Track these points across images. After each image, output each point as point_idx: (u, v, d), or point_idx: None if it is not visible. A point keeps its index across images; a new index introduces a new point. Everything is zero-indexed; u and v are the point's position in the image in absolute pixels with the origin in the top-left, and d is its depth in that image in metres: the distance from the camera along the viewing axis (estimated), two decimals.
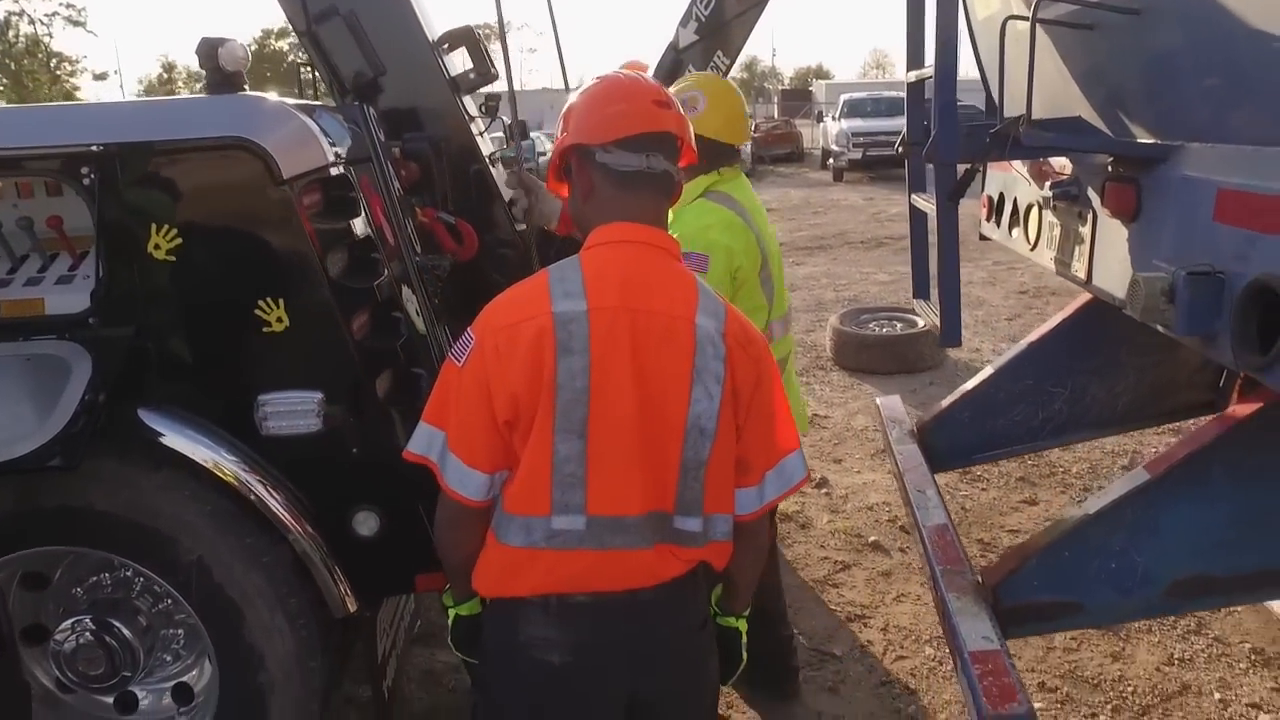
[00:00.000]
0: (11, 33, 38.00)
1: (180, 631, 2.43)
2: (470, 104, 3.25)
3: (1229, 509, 1.87)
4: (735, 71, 5.03)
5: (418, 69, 3.03)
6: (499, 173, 3.25)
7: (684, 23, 4.70)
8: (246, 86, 2.26)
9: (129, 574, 2.33)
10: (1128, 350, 2.85)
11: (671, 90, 2.70)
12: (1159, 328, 1.74)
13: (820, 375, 6.61)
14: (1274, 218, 1.53)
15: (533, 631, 1.53)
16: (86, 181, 2.02)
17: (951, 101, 2.30)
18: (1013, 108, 2.17)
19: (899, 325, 6.92)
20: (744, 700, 2.99)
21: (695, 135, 2.57)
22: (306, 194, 2.11)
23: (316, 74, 3.14)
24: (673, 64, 3.55)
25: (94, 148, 2.01)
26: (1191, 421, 3.29)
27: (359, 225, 2.26)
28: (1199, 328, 1.65)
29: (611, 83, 1.61)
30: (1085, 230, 2.30)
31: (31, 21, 38.29)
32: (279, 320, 2.07)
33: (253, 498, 2.12)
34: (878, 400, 3.34)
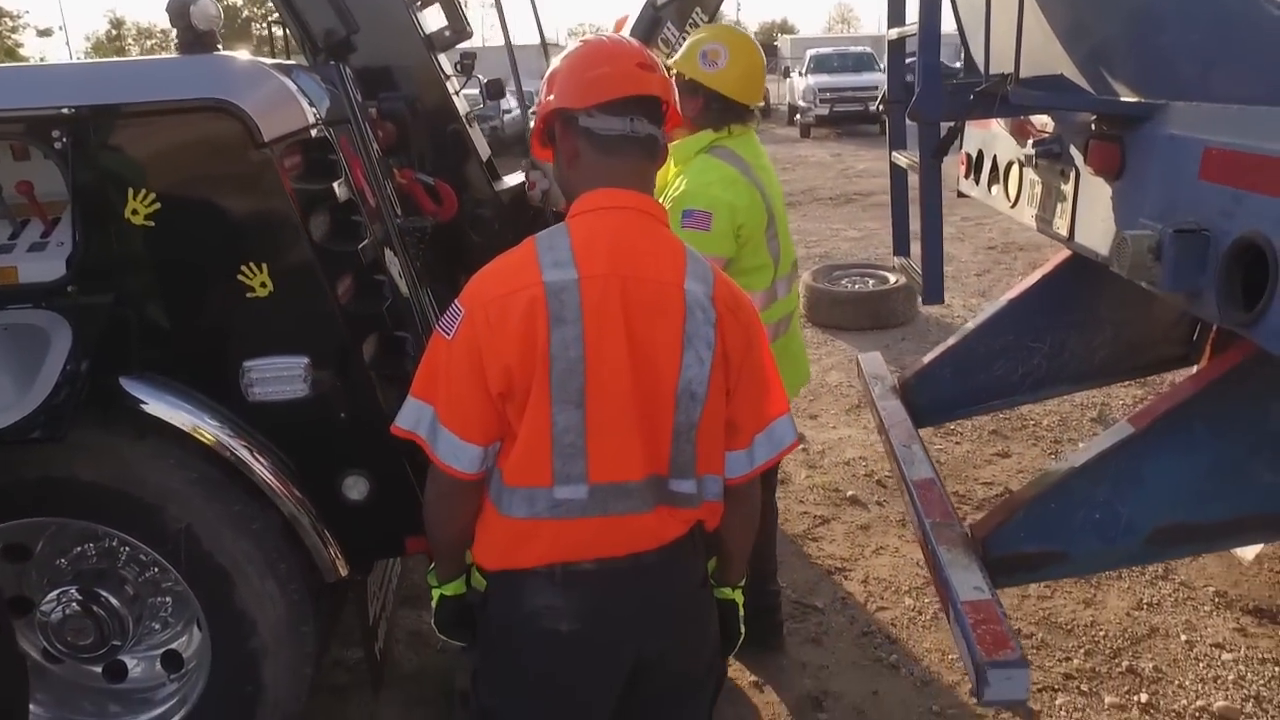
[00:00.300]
0: None
1: (168, 599, 2.42)
2: (445, 62, 3.19)
3: (1207, 460, 1.93)
4: None
5: (391, 26, 2.97)
6: (475, 132, 3.20)
7: None
8: (220, 46, 2.20)
9: (114, 543, 2.31)
10: (1106, 306, 2.90)
11: (693, 38, 2.68)
12: (1144, 284, 1.77)
13: None
14: (1260, 176, 1.56)
15: (539, 601, 1.53)
16: (58, 145, 1.97)
17: (935, 59, 2.29)
18: (996, 66, 2.17)
19: (871, 282, 6.97)
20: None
21: (711, 91, 2.57)
22: (287, 156, 2.06)
23: (287, 32, 3.06)
24: (650, 21, 3.50)
25: (65, 110, 1.95)
26: (1168, 375, 3.37)
27: (341, 188, 2.22)
28: (1184, 284, 1.68)
29: (594, 46, 1.59)
30: (1067, 188, 2.32)
31: None
32: (263, 285, 2.04)
33: (240, 464, 2.11)
34: (859, 356, 3.38)
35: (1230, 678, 2.87)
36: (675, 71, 2.57)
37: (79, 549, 2.32)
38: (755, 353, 1.59)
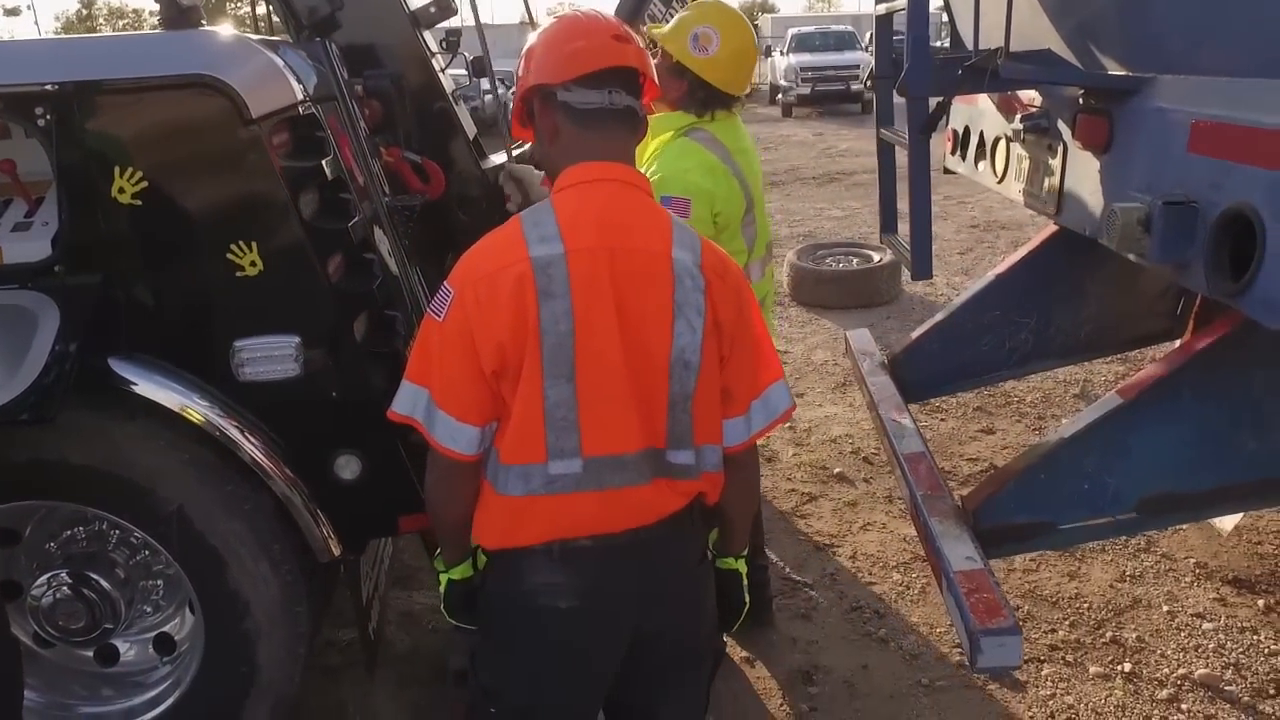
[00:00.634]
0: None
1: (159, 582, 2.41)
2: (430, 39, 3.16)
3: (1193, 430, 1.96)
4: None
5: (376, 3, 2.93)
6: (462, 109, 3.18)
7: None
8: (204, 21, 2.17)
9: (104, 526, 2.30)
10: (1091, 281, 2.92)
11: (682, 15, 2.59)
12: (1133, 256, 1.79)
13: (779, 311, 6.66)
14: (1247, 147, 1.57)
15: (538, 579, 1.54)
16: (42, 123, 1.94)
17: (924, 34, 2.29)
18: (985, 41, 2.18)
19: (855, 260, 6.99)
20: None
21: (699, 79, 2.51)
22: (276, 133, 2.04)
23: (271, 10, 3.02)
24: (636, 1, 3.48)
25: (49, 87, 1.91)
26: (1150, 350, 3.40)
27: (329, 165, 2.20)
28: (1173, 256, 1.70)
29: (569, 21, 1.58)
30: (1055, 162, 2.33)
31: None
32: (252, 264, 2.03)
33: (231, 445, 2.10)
34: (847, 334, 3.39)
35: (1210, 646, 2.93)
36: (661, 50, 2.52)
37: (69, 532, 2.31)
38: (747, 318, 1.59)
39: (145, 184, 1.96)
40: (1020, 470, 2.02)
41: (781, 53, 22.77)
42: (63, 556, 2.28)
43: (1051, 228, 2.90)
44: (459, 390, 1.50)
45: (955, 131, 3.14)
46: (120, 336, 2.06)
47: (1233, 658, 2.87)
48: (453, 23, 3.37)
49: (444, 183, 2.91)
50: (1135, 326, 3.02)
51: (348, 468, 2.21)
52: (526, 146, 2.78)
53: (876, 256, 6.82)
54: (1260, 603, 3.11)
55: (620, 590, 1.56)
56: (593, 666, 1.61)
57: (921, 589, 3.31)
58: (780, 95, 21.86)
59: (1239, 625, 3.01)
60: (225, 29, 2.13)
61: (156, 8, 2.15)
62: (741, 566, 1.79)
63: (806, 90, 20.46)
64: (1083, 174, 2.19)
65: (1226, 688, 2.75)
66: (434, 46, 3.16)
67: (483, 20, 3.23)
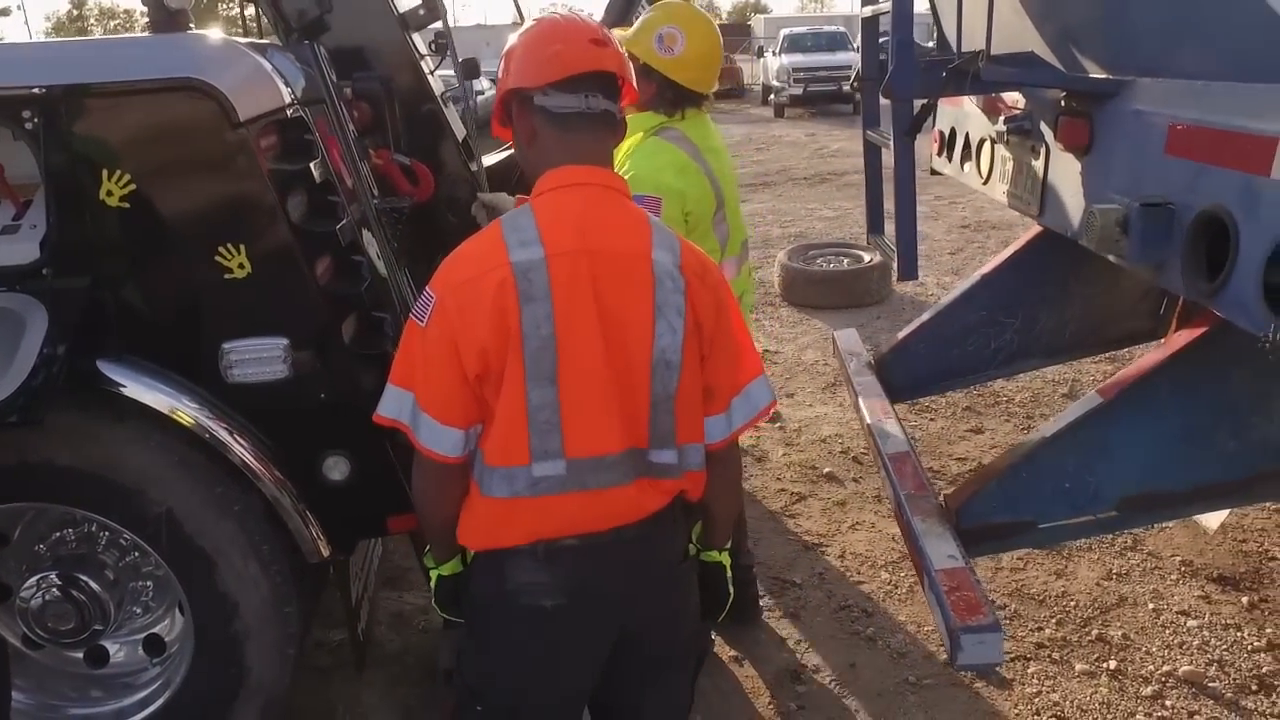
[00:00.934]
0: None
1: (149, 584, 2.42)
2: (419, 42, 3.17)
3: (1173, 429, 1.98)
4: None
5: (365, 5, 2.94)
6: (451, 111, 3.19)
7: None
8: (192, 25, 2.18)
9: (93, 528, 2.31)
10: (1076, 281, 2.94)
11: (646, 16, 2.60)
12: (1112, 257, 1.81)
13: (769, 311, 6.68)
14: (1222, 151, 1.59)
15: (523, 578, 1.55)
16: (29, 126, 1.94)
17: (909, 37, 2.31)
18: (968, 43, 2.20)
19: (846, 261, 7.02)
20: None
21: (666, 79, 2.53)
22: (263, 136, 2.05)
23: (260, 12, 3.03)
24: (625, 1, 3.50)
25: (36, 90, 1.92)
26: (1133, 350, 3.42)
27: (317, 168, 2.21)
28: (1151, 257, 1.72)
29: (548, 24, 1.59)
30: (1038, 164, 2.36)
31: None
32: (240, 266, 2.04)
33: (220, 446, 2.11)
34: (835, 334, 3.41)
35: (1195, 643, 2.95)
36: (627, 51, 2.53)
37: (58, 534, 2.31)
38: (726, 317, 1.61)
39: (133, 187, 1.97)
40: (1002, 469, 2.04)
41: (774, 53, 22.82)
42: (52, 558, 2.29)
43: (1036, 228, 2.92)
44: (442, 393, 1.51)
45: (941, 133, 3.16)
46: (109, 338, 2.06)
47: (1216, 654, 2.89)
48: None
49: (433, 185, 2.92)
50: (1119, 326, 3.05)
51: (336, 469, 2.22)
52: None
53: (867, 257, 6.84)
54: (1244, 600, 3.13)
55: (605, 588, 1.57)
56: (578, 665, 1.62)
57: (909, 588, 3.33)
58: (773, 96, 21.92)
59: (1223, 622, 3.04)
60: (213, 32, 2.14)
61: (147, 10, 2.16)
62: (725, 559, 1.80)
63: (799, 91, 20.53)
64: (1064, 175, 2.22)
65: (1210, 684, 2.77)
66: (423, 49, 3.17)
67: (480, 22, 3.24)
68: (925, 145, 3.33)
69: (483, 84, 14.74)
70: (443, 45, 3.25)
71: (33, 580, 2.23)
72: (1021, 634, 3.04)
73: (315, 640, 3.00)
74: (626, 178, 2.43)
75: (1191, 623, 3.05)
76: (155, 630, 2.43)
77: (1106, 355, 4.36)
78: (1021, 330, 2.99)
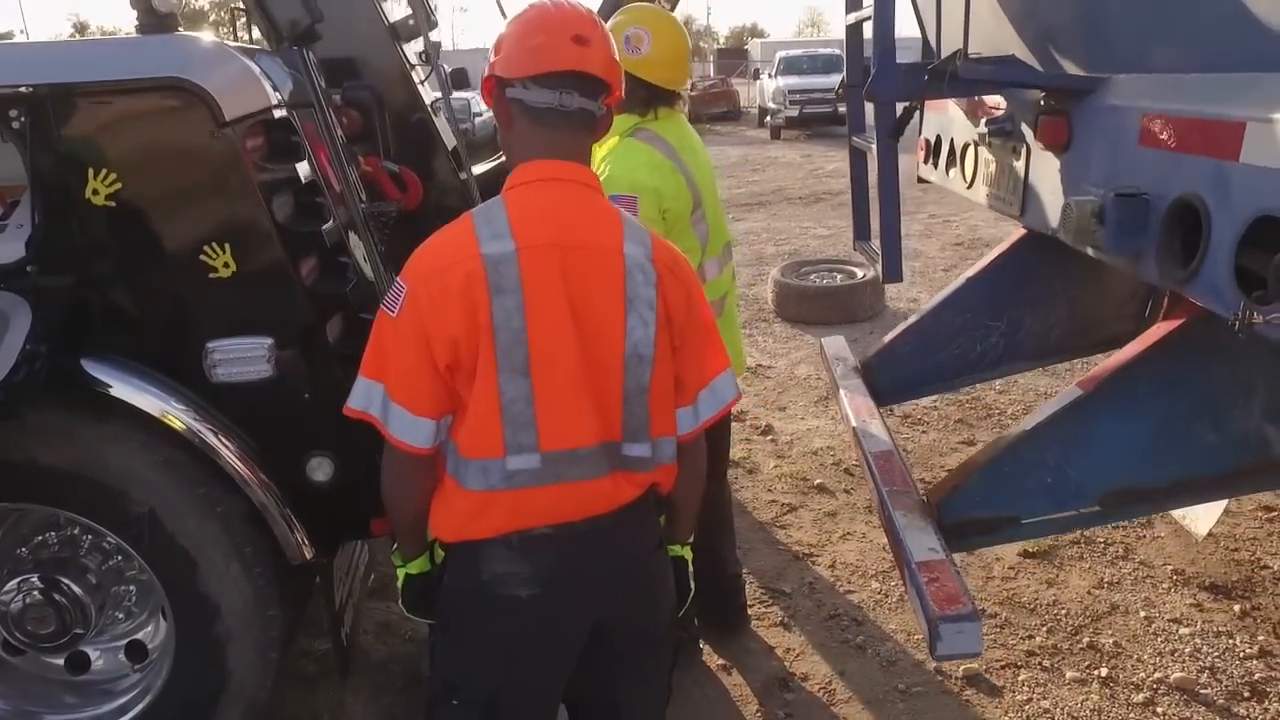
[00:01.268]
0: None
1: (132, 588, 2.41)
2: (409, 52, 3.20)
3: (1153, 422, 1.98)
4: None
5: (356, 15, 2.97)
6: (441, 121, 3.22)
7: None
8: (181, 28, 2.21)
9: (75, 531, 2.30)
10: (1060, 282, 2.96)
11: (613, 21, 2.63)
12: (1089, 250, 1.82)
13: (763, 327, 6.70)
14: (1192, 138, 1.61)
15: (498, 569, 1.55)
16: (16, 125, 1.96)
17: (890, 40, 2.33)
18: (949, 46, 2.22)
19: (839, 276, 7.04)
20: (700, 637, 3.07)
21: (635, 78, 2.56)
22: (249, 137, 2.07)
23: (251, 22, 3.06)
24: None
25: (23, 89, 1.94)
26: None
27: (304, 169, 2.23)
28: (1127, 247, 1.73)
29: (538, 13, 1.56)
30: (1019, 164, 2.37)
31: None
32: (225, 266, 2.04)
33: (204, 447, 2.10)
34: (822, 340, 3.42)
35: (1187, 651, 2.93)
36: None
37: (40, 537, 2.31)
38: (696, 311, 1.61)
39: (119, 186, 1.98)
40: (984, 464, 2.04)
41: (770, 76, 23.00)
42: (34, 561, 2.28)
43: (1020, 232, 2.94)
44: (413, 384, 1.51)
45: (927, 140, 3.19)
46: (93, 337, 2.07)
47: (1208, 662, 2.88)
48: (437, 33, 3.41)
49: (422, 193, 2.94)
50: (1105, 329, 3.05)
51: (320, 469, 2.22)
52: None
53: (860, 272, 6.87)
54: (1236, 608, 3.12)
55: (580, 577, 1.57)
56: (554, 654, 1.61)
57: (900, 597, 3.32)
58: (769, 118, 22.05)
59: (1215, 630, 3.02)
60: (200, 34, 2.16)
61: None
62: (687, 554, 1.80)
63: (794, 113, 20.65)
64: (1044, 174, 2.23)
65: (1202, 691, 2.75)
66: (413, 59, 3.20)
67: (478, 46, 3.27)
68: (913, 157, 3.35)
69: (478, 105, 14.83)
70: (432, 56, 3.28)
71: (13, 583, 2.22)
72: (1012, 642, 3.03)
73: (300, 649, 2.98)
74: (601, 178, 2.47)
75: (1183, 630, 3.04)
76: (138, 636, 2.42)
77: (1099, 358, 4.37)
78: (1007, 333, 3.00)
